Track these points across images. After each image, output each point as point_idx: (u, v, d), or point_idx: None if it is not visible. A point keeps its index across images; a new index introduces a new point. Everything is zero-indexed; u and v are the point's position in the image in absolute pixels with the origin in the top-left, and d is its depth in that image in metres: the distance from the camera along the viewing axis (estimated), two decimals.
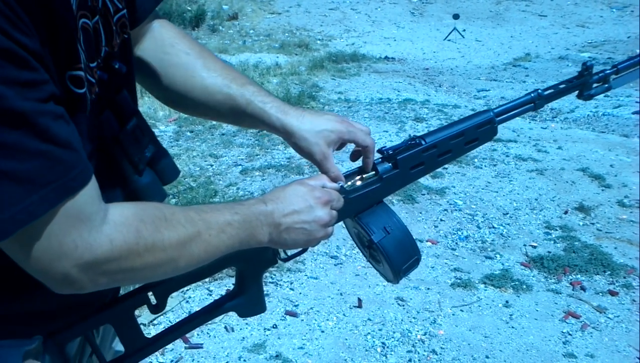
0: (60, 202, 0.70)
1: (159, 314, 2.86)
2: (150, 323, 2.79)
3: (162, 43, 1.10)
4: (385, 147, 1.11)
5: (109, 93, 0.88)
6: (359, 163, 1.13)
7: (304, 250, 1.07)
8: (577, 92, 1.25)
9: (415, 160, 1.10)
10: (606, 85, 1.26)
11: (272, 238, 0.96)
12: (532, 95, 1.20)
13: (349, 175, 1.10)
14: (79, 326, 0.91)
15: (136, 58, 1.08)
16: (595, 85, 1.25)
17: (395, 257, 1.07)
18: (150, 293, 0.97)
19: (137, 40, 1.09)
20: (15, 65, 0.65)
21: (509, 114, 1.19)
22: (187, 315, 1.07)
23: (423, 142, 1.11)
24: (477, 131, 1.15)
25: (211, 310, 1.06)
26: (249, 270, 1.04)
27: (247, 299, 1.06)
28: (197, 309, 1.07)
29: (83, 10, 0.80)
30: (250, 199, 0.97)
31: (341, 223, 1.11)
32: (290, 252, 1.07)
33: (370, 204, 1.09)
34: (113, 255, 0.76)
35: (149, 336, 1.00)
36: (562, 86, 1.23)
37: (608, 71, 1.25)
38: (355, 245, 1.21)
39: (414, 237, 3.55)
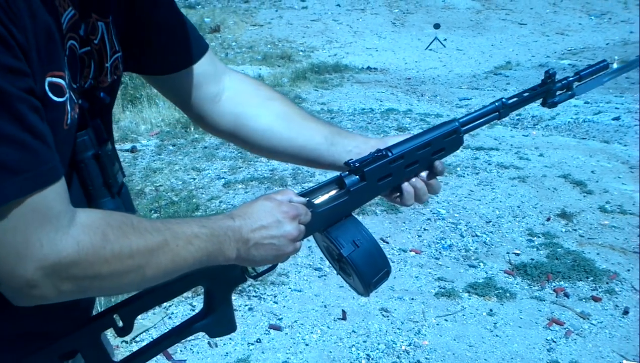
0: (30, 193, 0.69)
1: (141, 331, 2.83)
2: (132, 340, 2.76)
3: (243, 111, 1.17)
4: (351, 159, 1.10)
5: (85, 120, 0.88)
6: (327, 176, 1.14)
7: (273, 267, 1.06)
8: (541, 99, 1.26)
9: (383, 171, 1.10)
10: (570, 92, 1.26)
11: (240, 255, 0.95)
12: (497, 104, 1.20)
13: (316, 189, 1.09)
14: (43, 352, 0.88)
15: (216, 112, 1.16)
16: (558, 92, 1.25)
17: (365, 270, 1.06)
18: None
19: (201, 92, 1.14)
20: (6, 51, 0.66)
21: (474, 123, 1.19)
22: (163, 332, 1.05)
23: (390, 154, 1.10)
24: (444, 141, 1.16)
25: (180, 331, 1.03)
26: (217, 289, 1.02)
27: (216, 319, 1.03)
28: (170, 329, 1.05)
29: (72, 34, 0.81)
30: (217, 214, 0.96)
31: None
32: (259, 269, 1.06)
33: (338, 218, 1.08)
34: (79, 258, 0.74)
35: (126, 355, 0.99)
36: (526, 94, 1.23)
37: (571, 78, 1.25)
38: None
39: (398, 248, 3.52)
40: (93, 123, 0.90)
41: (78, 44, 0.83)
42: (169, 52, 1.08)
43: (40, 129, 0.71)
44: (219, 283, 1.02)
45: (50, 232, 0.72)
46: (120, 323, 0.94)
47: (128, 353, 0.99)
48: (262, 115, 1.17)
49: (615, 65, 1.33)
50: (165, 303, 3.21)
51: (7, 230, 0.69)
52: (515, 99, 1.22)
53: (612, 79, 1.32)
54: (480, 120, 1.20)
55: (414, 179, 1.12)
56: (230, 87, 1.17)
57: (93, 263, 0.75)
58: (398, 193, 1.14)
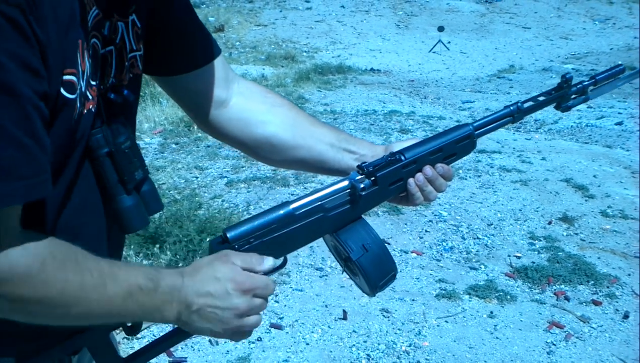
0: (23, 202, 0.69)
1: (142, 328, 2.84)
2: (133, 338, 2.77)
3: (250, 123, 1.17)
4: (365, 163, 1.09)
5: (101, 117, 0.89)
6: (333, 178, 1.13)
7: (282, 266, 1.03)
8: (555, 103, 1.24)
9: (395, 176, 1.09)
10: (584, 96, 1.25)
11: (181, 318, 0.90)
12: (512, 108, 1.18)
13: (328, 191, 1.07)
14: (53, 350, 0.89)
15: (223, 121, 1.16)
16: (573, 96, 1.24)
17: (373, 274, 1.06)
18: None
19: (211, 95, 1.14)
20: (27, 47, 0.66)
21: (488, 127, 1.17)
22: (171, 329, 1.05)
23: (403, 158, 1.09)
24: (456, 146, 1.14)
25: (183, 331, 1.04)
26: None
27: None
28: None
29: (96, 32, 0.83)
30: (170, 269, 0.93)
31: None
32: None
33: (348, 221, 1.07)
34: (10, 278, 0.73)
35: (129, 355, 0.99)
36: (541, 98, 1.21)
37: (586, 83, 1.24)
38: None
39: (400, 249, 3.53)
40: (116, 120, 0.91)
41: (100, 43, 0.84)
42: (181, 53, 1.08)
43: (44, 138, 0.71)
44: None
45: None
46: (129, 323, 0.95)
47: (129, 350, 1.00)
48: (269, 121, 1.17)
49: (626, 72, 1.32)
50: None
51: None
52: (530, 103, 1.20)
53: (625, 83, 1.31)
54: (494, 125, 1.18)
55: (421, 180, 1.10)
56: (239, 93, 1.17)
57: (21, 287, 0.74)
58: (404, 193, 1.13)
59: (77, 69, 0.78)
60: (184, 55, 1.09)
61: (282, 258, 1.03)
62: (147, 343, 1.04)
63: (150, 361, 1.03)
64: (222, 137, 1.20)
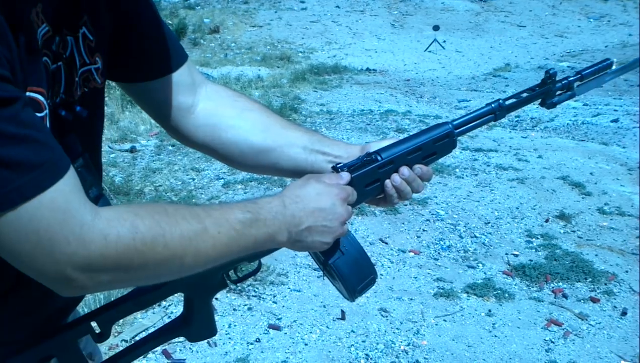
0: (51, 185, 0.69)
1: (139, 332, 2.84)
2: (132, 340, 2.76)
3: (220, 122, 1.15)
4: (340, 164, 1.06)
5: (63, 132, 0.87)
6: None
7: (255, 271, 1.04)
8: (539, 100, 1.20)
9: (371, 177, 1.06)
10: (570, 92, 1.21)
11: (291, 238, 0.94)
12: (493, 105, 1.14)
13: None
14: (18, 358, 0.87)
15: (193, 125, 1.13)
16: (558, 92, 1.20)
17: (350, 277, 1.03)
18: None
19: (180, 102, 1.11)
20: None
21: (468, 125, 1.14)
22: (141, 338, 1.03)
23: (379, 158, 1.06)
24: (435, 145, 1.10)
25: (159, 336, 1.02)
26: (197, 296, 1.00)
27: (196, 324, 1.02)
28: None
29: (46, 50, 0.81)
30: (264, 198, 0.93)
31: None
32: (240, 274, 1.03)
33: None
34: (108, 251, 0.73)
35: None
36: (524, 95, 1.17)
37: (572, 78, 1.20)
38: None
39: (397, 248, 3.51)
40: (67, 138, 0.88)
41: (51, 60, 0.82)
42: (147, 60, 1.06)
43: (38, 121, 0.71)
44: (199, 290, 1.00)
45: (75, 228, 0.71)
46: (98, 330, 0.93)
47: None
48: (239, 126, 1.14)
49: (614, 67, 1.29)
50: (164, 302, 3.21)
51: (32, 231, 0.68)
52: (513, 100, 1.16)
53: (613, 79, 1.28)
54: (475, 123, 1.14)
55: (397, 181, 1.08)
56: (206, 98, 1.15)
57: (123, 255, 0.74)
58: (382, 195, 1.10)
59: (44, 88, 0.76)
60: (149, 63, 1.06)
61: (256, 263, 1.02)
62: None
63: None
64: (191, 143, 1.17)
